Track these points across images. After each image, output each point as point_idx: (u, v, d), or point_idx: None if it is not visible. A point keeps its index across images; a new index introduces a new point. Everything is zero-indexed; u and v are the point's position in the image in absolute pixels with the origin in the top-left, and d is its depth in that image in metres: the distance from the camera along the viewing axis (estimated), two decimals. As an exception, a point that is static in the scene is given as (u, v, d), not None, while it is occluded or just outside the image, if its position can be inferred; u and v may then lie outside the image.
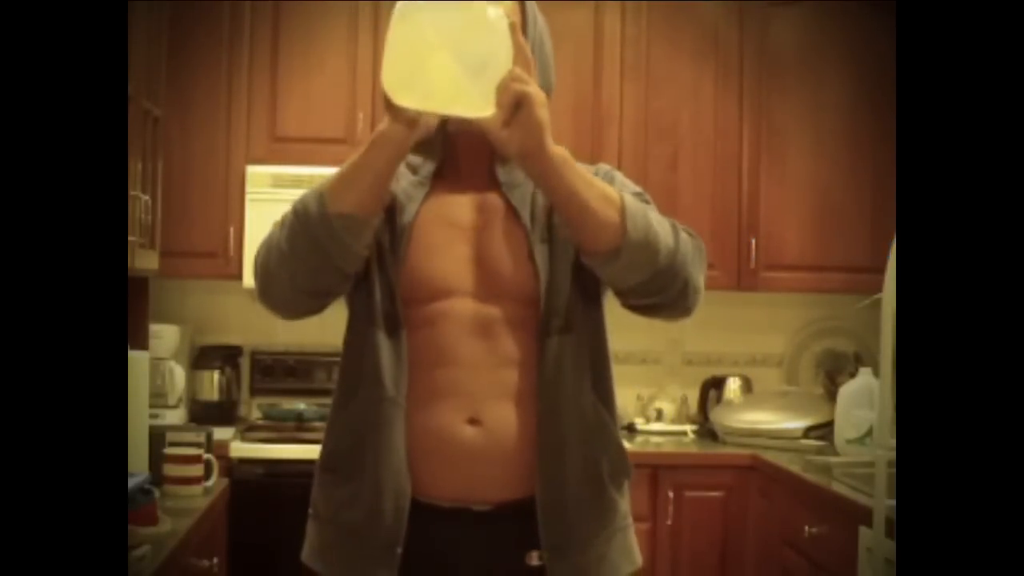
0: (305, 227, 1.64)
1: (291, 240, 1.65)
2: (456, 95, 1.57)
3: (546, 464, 1.70)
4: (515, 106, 1.55)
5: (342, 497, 1.75)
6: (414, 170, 1.81)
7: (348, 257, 1.66)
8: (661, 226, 1.67)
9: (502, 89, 1.56)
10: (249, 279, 3.69)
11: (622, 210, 1.62)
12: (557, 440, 1.71)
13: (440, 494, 1.71)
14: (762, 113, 4.03)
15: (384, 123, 1.61)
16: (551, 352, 1.71)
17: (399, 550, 1.69)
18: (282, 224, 1.69)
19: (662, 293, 1.68)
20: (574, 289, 1.74)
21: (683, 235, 1.70)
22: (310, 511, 1.83)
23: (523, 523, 1.71)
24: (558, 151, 1.60)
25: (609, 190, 1.65)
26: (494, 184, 1.78)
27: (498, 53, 1.57)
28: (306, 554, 1.81)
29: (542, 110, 1.56)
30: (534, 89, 1.57)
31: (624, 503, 1.82)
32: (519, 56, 1.58)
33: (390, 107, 1.58)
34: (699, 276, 1.72)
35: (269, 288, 1.72)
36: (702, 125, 4.03)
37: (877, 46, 3.95)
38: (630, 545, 1.82)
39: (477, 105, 1.57)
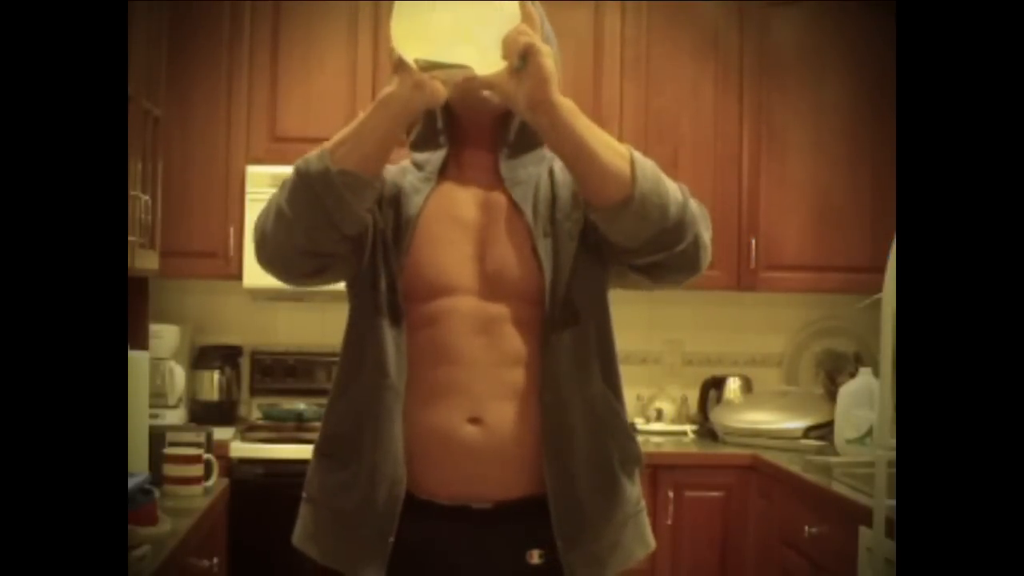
0: (305, 183, 1.63)
1: (291, 197, 1.65)
2: (463, 47, 1.58)
3: (554, 457, 1.70)
4: (522, 58, 1.56)
5: (337, 482, 1.75)
6: (419, 167, 1.82)
7: (347, 215, 1.65)
8: (669, 181, 1.68)
9: (509, 42, 1.57)
10: (250, 279, 3.72)
11: (631, 160, 1.63)
12: (564, 433, 1.71)
13: (439, 492, 1.71)
14: (762, 113, 4.03)
15: (391, 84, 1.61)
16: (556, 347, 1.71)
17: (391, 540, 1.69)
18: (282, 186, 1.69)
19: (673, 248, 1.67)
20: (578, 282, 1.74)
21: (689, 196, 1.71)
22: (303, 494, 1.82)
23: (524, 521, 1.71)
24: (565, 102, 1.60)
25: (616, 142, 1.65)
26: (497, 181, 1.78)
27: (504, 9, 1.59)
28: (298, 537, 1.81)
29: (548, 61, 1.57)
30: (540, 41, 1.57)
31: (635, 489, 1.83)
32: (525, 15, 1.60)
33: (397, 68, 1.59)
34: (706, 233, 1.72)
35: (265, 246, 1.71)
36: (702, 125, 4.02)
37: (877, 46, 3.94)
38: (643, 530, 1.82)
39: (484, 58, 1.58)
